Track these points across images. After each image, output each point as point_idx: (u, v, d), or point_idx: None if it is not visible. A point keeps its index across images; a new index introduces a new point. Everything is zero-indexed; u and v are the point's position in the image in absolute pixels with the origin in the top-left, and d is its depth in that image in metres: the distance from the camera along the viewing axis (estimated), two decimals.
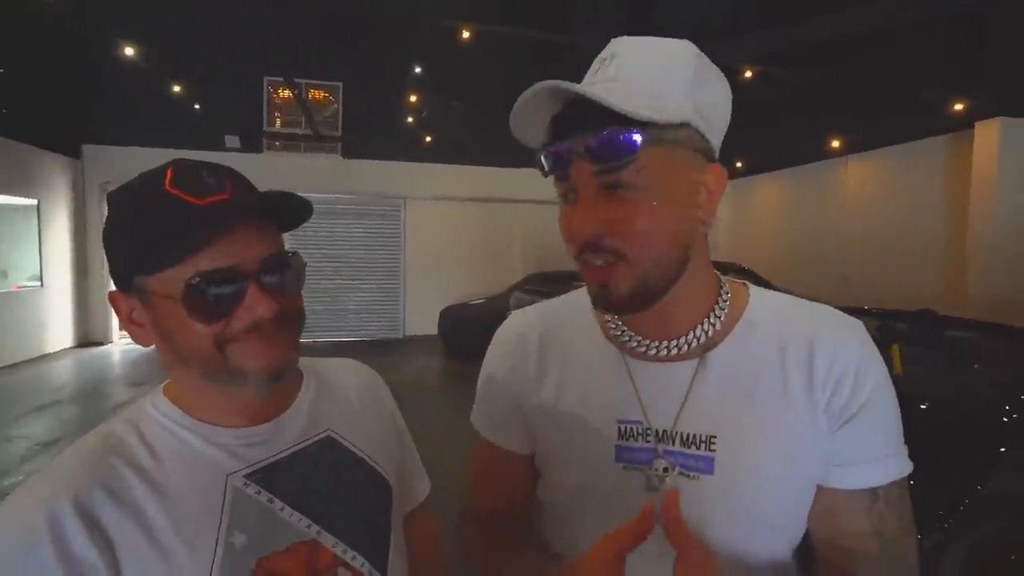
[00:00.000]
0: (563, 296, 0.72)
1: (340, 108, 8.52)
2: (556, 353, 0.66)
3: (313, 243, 8.33)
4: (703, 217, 0.56)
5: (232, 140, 8.05)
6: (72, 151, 7.65)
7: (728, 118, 0.59)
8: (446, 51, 5.59)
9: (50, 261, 7.20)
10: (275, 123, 8.50)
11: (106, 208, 0.57)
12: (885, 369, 0.60)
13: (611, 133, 0.50)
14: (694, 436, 0.58)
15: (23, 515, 0.49)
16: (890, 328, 3.39)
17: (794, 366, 0.58)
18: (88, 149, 7.79)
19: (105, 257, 0.56)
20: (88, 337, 7.87)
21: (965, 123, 5.85)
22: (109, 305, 0.58)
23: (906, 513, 0.59)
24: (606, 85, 0.53)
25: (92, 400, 5.31)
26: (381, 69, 6.76)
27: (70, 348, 7.52)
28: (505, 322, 0.74)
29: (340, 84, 8.47)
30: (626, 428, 0.60)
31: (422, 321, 8.80)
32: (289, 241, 0.56)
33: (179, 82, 6.56)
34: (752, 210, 9.88)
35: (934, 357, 3.22)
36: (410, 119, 7.30)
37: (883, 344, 3.34)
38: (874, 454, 0.57)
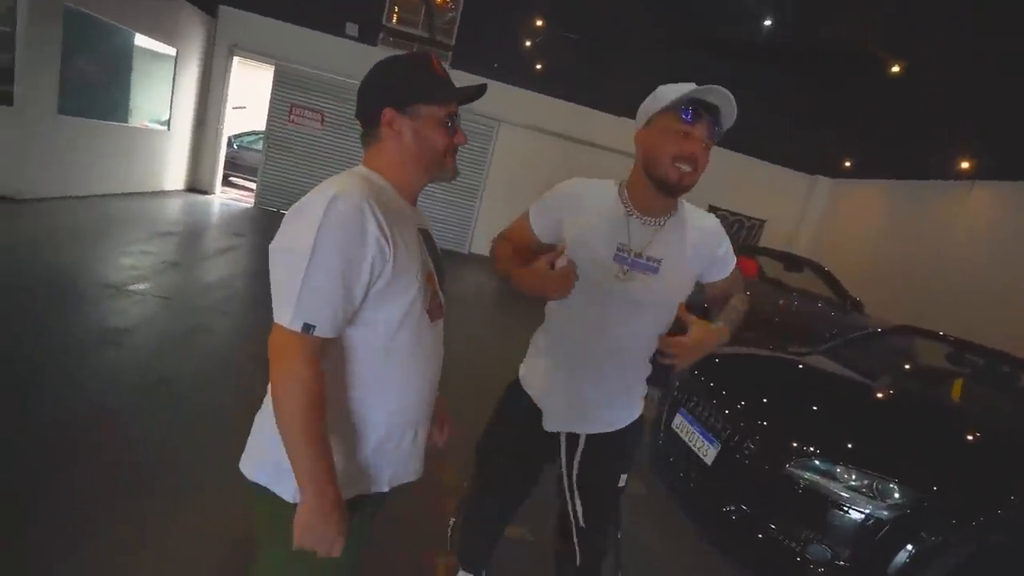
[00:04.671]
0: (602, 181, 1.37)
1: (459, 16, 8.50)
2: (592, 204, 1.31)
3: None
4: None
5: (352, 28, 8.25)
6: (210, 9, 8.09)
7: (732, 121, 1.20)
8: None
9: (177, 109, 7.86)
10: (393, 18, 8.60)
11: (396, 62, 0.98)
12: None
13: (719, 127, 1.18)
14: (653, 257, 1.25)
15: (357, 200, 0.83)
16: (960, 358, 3.39)
17: (691, 232, 1.29)
18: (223, 10, 8.20)
19: (383, 88, 0.96)
20: (196, 184, 8.69)
21: None
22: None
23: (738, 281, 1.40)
24: (724, 104, 1.16)
25: (202, 238, 6.01)
26: None
27: (181, 191, 8.35)
28: (573, 179, 1.40)
29: None
30: (621, 246, 1.25)
31: (487, 242, 9.09)
32: None
33: None
34: (848, 212, 9.39)
35: (997, 396, 3.23)
36: (528, 43, 7.23)
37: (949, 373, 3.36)
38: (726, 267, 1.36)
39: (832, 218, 9.67)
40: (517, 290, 1.21)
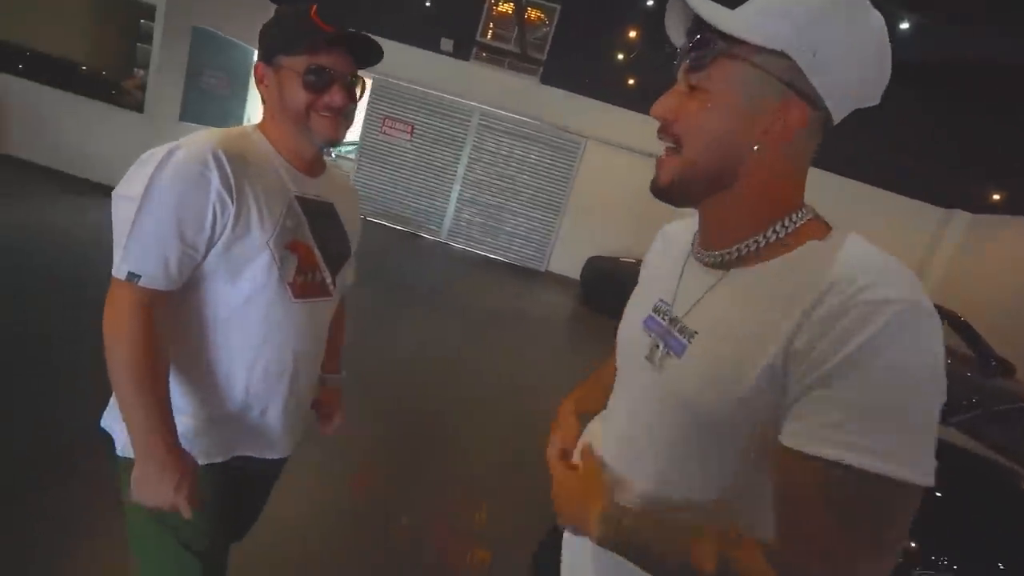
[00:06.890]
0: None
1: (552, 31, 8.40)
2: (670, 243, 0.83)
3: (490, 158, 8.64)
4: (761, 140, 0.58)
5: (447, 44, 8.44)
6: None
7: (862, 69, 0.56)
8: None
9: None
10: (488, 34, 8.69)
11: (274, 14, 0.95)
12: (921, 356, 0.48)
13: (698, 38, 0.59)
14: (687, 328, 0.66)
15: (200, 151, 0.82)
16: None
17: (797, 306, 0.53)
18: None
19: (260, 44, 0.95)
20: None
21: None
22: None
23: (855, 512, 0.48)
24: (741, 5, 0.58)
25: None
26: None
27: None
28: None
29: (558, 7, 8.30)
30: (660, 305, 0.73)
31: (565, 262, 8.85)
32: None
33: None
34: (994, 254, 7.97)
35: None
36: (620, 56, 6.94)
37: None
38: (840, 427, 0.49)
39: (971, 259, 8.26)
40: None
